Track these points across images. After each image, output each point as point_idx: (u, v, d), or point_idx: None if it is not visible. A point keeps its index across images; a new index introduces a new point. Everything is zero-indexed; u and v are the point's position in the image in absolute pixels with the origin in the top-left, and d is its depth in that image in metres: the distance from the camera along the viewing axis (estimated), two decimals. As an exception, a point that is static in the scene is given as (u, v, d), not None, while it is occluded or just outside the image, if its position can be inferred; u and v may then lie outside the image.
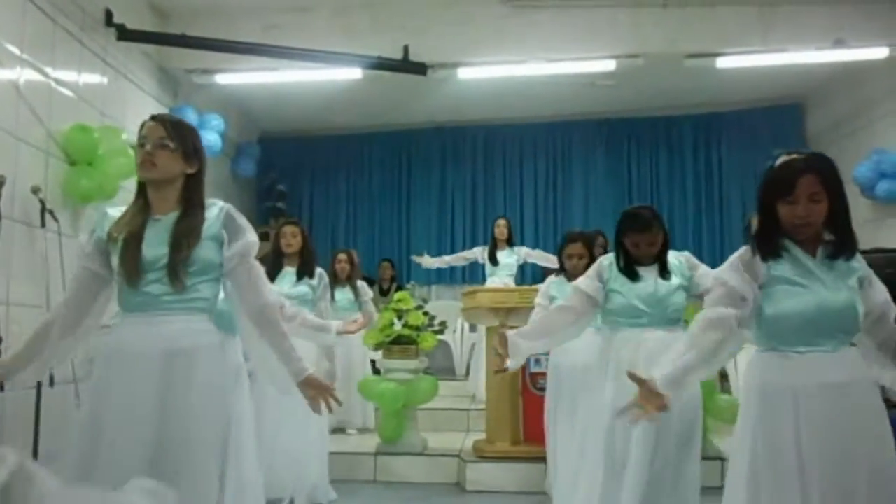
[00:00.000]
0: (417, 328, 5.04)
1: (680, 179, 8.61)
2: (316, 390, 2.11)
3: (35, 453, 3.94)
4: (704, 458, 3.04)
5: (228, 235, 2.09)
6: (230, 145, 7.75)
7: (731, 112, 8.31)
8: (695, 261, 2.99)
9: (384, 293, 7.78)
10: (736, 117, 8.33)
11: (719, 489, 2.18)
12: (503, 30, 5.87)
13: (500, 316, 4.76)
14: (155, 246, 2.01)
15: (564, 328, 2.95)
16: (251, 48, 5.53)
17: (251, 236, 2.13)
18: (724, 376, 5.31)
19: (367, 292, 6.15)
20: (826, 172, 1.99)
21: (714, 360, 2.10)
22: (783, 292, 2.01)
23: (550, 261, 5.92)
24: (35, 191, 4.24)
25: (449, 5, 5.85)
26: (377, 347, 5.21)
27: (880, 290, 2.07)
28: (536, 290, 4.06)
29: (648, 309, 2.85)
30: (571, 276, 3.83)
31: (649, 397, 2.01)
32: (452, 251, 8.53)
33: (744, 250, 2.09)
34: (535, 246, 7.95)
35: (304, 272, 4.14)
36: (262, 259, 2.22)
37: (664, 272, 2.91)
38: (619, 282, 2.91)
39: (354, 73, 6.02)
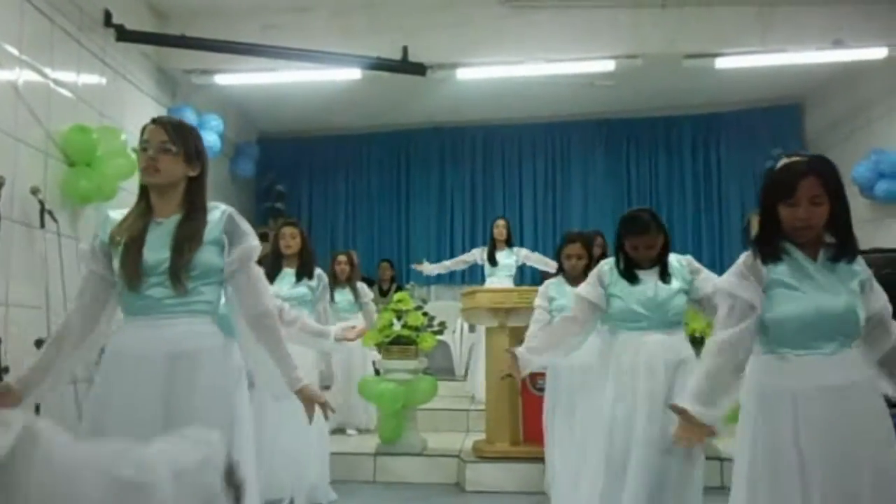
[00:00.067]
0: (417, 328, 5.04)
1: (679, 180, 8.61)
2: (309, 401, 2.12)
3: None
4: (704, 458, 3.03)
5: (229, 240, 2.08)
6: (229, 146, 7.75)
7: (729, 112, 8.31)
8: (696, 265, 2.98)
9: (384, 294, 7.78)
10: (735, 118, 8.33)
11: (719, 489, 2.19)
12: (502, 30, 5.87)
13: (500, 316, 4.77)
14: (157, 249, 2.01)
15: (571, 338, 3.01)
16: (250, 49, 5.53)
17: (252, 241, 2.13)
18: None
19: (367, 293, 6.15)
20: (827, 175, 1.99)
21: (740, 374, 2.09)
22: (781, 296, 2.01)
23: (549, 265, 5.92)
24: (34, 191, 4.24)
25: (448, 6, 5.85)
26: (377, 346, 5.21)
27: (879, 296, 2.07)
28: (535, 291, 4.05)
29: (648, 313, 2.84)
30: (570, 277, 3.84)
31: (692, 428, 1.98)
32: (451, 251, 8.55)
33: (746, 255, 2.09)
34: (534, 246, 7.96)
35: (304, 273, 4.14)
36: (262, 260, 2.21)
37: (664, 275, 2.90)
38: (619, 286, 2.91)
39: (353, 74, 6.02)
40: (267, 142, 8.83)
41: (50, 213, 4.32)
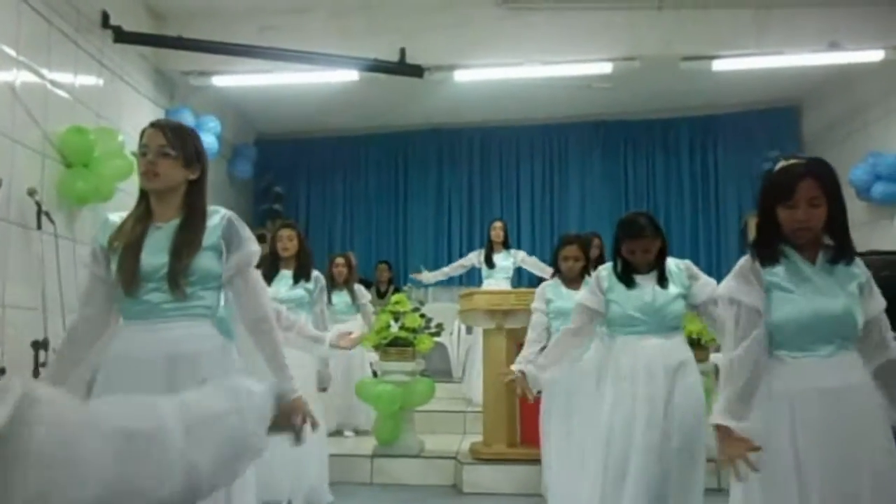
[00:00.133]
0: (414, 330, 5.04)
1: (676, 181, 8.62)
2: (296, 413, 2.13)
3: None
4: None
5: (228, 245, 2.08)
6: (226, 147, 7.74)
7: (726, 114, 8.33)
8: (695, 270, 2.96)
9: (381, 295, 7.78)
10: (732, 120, 8.35)
11: (716, 491, 2.18)
12: (499, 32, 5.88)
13: (497, 318, 4.77)
14: (155, 254, 2.01)
15: (575, 349, 3.04)
16: (247, 50, 5.53)
17: (251, 246, 2.12)
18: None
19: (365, 295, 6.15)
20: (825, 177, 1.99)
21: (762, 379, 2.05)
22: (778, 299, 2.01)
23: (544, 271, 5.92)
24: (31, 193, 4.24)
25: (445, 8, 5.86)
26: (375, 348, 5.21)
27: (878, 302, 2.05)
28: (533, 293, 4.06)
29: (645, 317, 2.84)
30: (567, 279, 3.85)
31: (735, 444, 1.94)
32: (449, 253, 8.55)
33: (745, 259, 2.09)
34: (531, 247, 7.97)
35: (301, 275, 4.13)
36: (259, 262, 2.21)
37: (662, 280, 2.89)
38: (617, 291, 2.90)
39: (351, 75, 6.03)
40: (264, 143, 8.83)
41: (47, 214, 4.31)
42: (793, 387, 1.96)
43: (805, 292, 1.99)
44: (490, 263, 6.60)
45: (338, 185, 9.16)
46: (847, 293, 2.00)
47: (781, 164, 2.08)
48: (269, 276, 4.03)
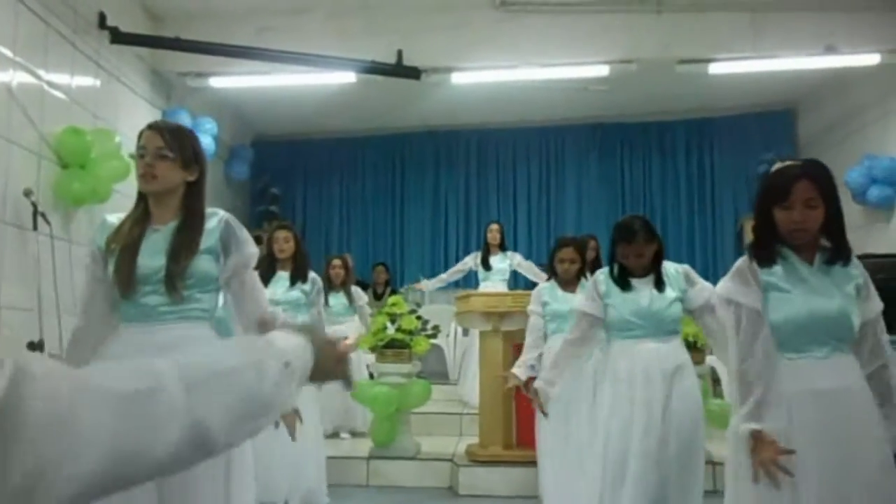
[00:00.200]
0: (411, 332, 5.04)
1: (672, 184, 8.64)
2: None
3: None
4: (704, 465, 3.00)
5: (226, 248, 2.08)
6: (223, 148, 7.74)
7: (723, 117, 8.35)
8: (693, 275, 2.96)
9: (378, 297, 7.77)
10: (728, 122, 8.37)
11: (712, 493, 2.18)
12: (497, 34, 5.88)
13: (493, 320, 4.77)
14: (152, 257, 2.01)
15: (580, 358, 3.08)
16: (244, 51, 5.53)
17: (249, 249, 2.12)
18: (716, 381, 5.33)
19: (362, 297, 6.14)
20: (822, 178, 2.00)
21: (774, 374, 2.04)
22: (774, 299, 2.01)
23: (539, 277, 5.92)
24: (27, 193, 4.23)
25: (443, 10, 5.86)
26: (371, 350, 5.21)
27: (874, 305, 2.05)
28: (529, 295, 4.06)
29: (642, 322, 2.83)
30: (563, 281, 3.85)
31: (766, 447, 1.92)
32: (446, 255, 8.56)
33: (742, 260, 2.09)
34: (528, 249, 7.99)
35: (298, 277, 4.13)
36: (256, 263, 2.21)
37: (659, 284, 2.89)
38: (614, 295, 2.90)
39: (348, 77, 6.03)
40: (261, 145, 8.82)
41: (43, 215, 4.30)
42: (788, 389, 1.96)
43: (801, 293, 2.00)
44: (486, 266, 6.60)
45: (335, 187, 9.16)
46: (844, 294, 2.00)
47: (778, 165, 2.09)
48: (266, 278, 4.03)
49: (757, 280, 2.03)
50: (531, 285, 5.60)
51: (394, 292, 7.57)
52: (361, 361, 5.93)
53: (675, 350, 2.86)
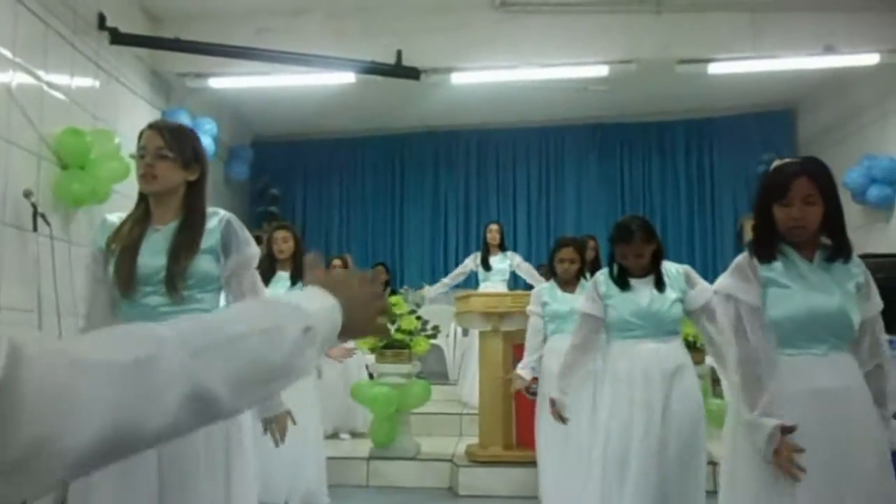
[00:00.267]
0: (410, 332, 5.04)
1: (672, 184, 8.64)
2: (277, 421, 2.16)
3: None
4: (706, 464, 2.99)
5: (226, 248, 2.07)
6: (223, 149, 7.74)
7: (722, 117, 8.35)
8: (694, 276, 2.95)
9: (377, 297, 7.77)
10: (727, 123, 8.37)
11: (713, 493, 2.18)
12: (496, 35, 5.88)
13: (493, 320, 4.77)
14: (152, 257, 2.00)
15: (588, 359, 3.07)
16: (244, 52, 5.52)
17: (249, 249, 2.11)
18: (716, 381, 5.32)
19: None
20: (820, 175, 2.00)
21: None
22: (774, 295, 2.01)
23: (537, 280, 5.93)
24: (27, 194, 4.23)
25: (442, 10, 5.86)
26: (371, 350, 5.21)
27: (874, 304, 2.05)
28: (529, 295, 4.06)
29: (641, 322, 2.83)
30: (562, 281, 3.85)
31: (785, 443, 1.90)
32: (445, 255, 8.56)
33: (742, 256, 2.09)
34: (527, 249, 7.99)
35: (298, 277, 4.13)
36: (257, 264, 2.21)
37: (659, 284, 2.89)
38: (614, 295, 2.90)
39: (347, 78, 6.03)
40: (261, 145, 8.82)
41: (42, 216, 4.30)
42: (787, 387, 1.96)
43: (801, 289, 1.99)
44: (486, 266, 6.60)
45: (334, 188, 9.16)
46: (844, 291, 2.00)
47: (776, 163, 2.09)
48: (266, 278, 4.03)
49: (757, 276, 2.03)
50: (531, 286, 5.61)
51: (393, 293, 7.57)
52: (361, 362, 5.93)
53: (675, 350, 2.86)
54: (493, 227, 6.74)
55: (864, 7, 5.63)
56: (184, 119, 6.07)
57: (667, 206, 8.54)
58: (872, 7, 5.63)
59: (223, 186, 8.09)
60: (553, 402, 3.13)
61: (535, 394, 3.92)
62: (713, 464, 4.32)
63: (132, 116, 5.53)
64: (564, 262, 3.82)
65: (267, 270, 4.08)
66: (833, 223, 2.02)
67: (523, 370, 3.79)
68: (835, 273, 2.02)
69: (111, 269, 2.02)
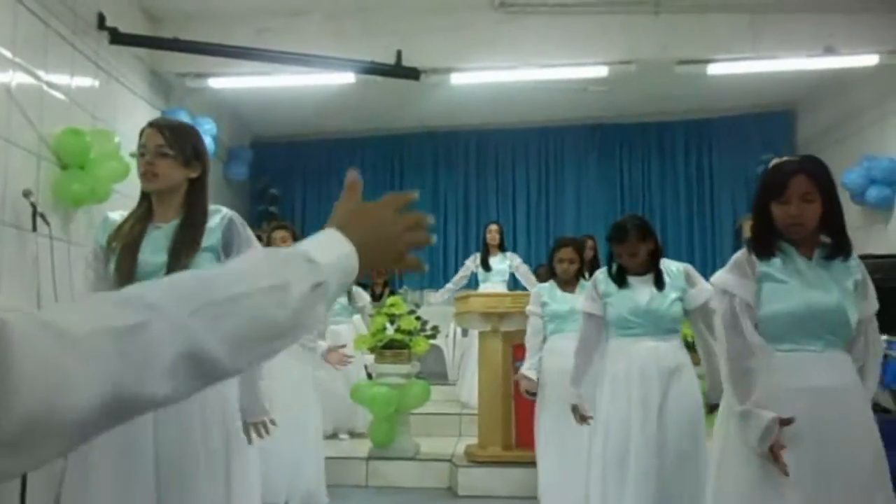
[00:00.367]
0: (410, 333, 5.04)
1: (671, 184, 8.65)
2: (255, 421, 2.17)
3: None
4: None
5: (227, 246, 2.07)
6: (222, 149, 7.74)
7: (721, 118, 8.36)
8: (694, 275, 2.95)
9: (377, 298, 7.77)
10: (727, 123, 8.38)
11: (712, 493, 2.18)
12: (496, 35, 5.88)
13: (492, 321, 4.77)
14: (154, 254, 2.00)
15: (595, 358, 3.04)
16: (243, 52, 5.52)
17: (251, 248, 2.11)
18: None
19: (364, 297, 6.13)
20: (817, 173, 2.01)
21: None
22: (772, 291, 2.02)
23: (532, 285, 5.93)
24: (26, 194, 4.22)
25: (442, 11, 5.86)
26: (370, 350, 5.21)
27: (871, 304, 2.06)
28: (529, 296, 4.07)
29: (640, 320, 2.84)
30: (562, 281, 3.86)
31: (777, 437, 1.90)
32: (444, 255, 8.56)
33: (741, 252, 2.11)
34: (527, 250, 8.00)
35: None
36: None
37: (659, 282, 2.89)
38: (613, 293, 2.91)
39: (347, 78, 6.03)
40: (260, 145, 8.82)
41: (42, 216, 4.29)
42: (783, 384, 1.96)
43: (799, 285, 2.00)
44: (486, 266, 6.60)
45: (334, 188, 9.12)
46: (842, 289, 2.00)
47: (775, 161, 2.11)
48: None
49: (754, 272, 2.04)
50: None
51: (392, 293, 7.57)
52: (360, 362, 5.93)
53: (673, 349, 2.86)
54: (493, 227, 6.75)
55: (863, 8, 5.63)
56: (183, 119, 6.05)
57: (666, 207, 8.55)
58: (872, 8, 5.64)
59: (223, 187, 8.08)
60: (574, 409, 3.08)
61: (534, 394, 3.92)
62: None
63: (132, 116, 5.53)
64: (564, 262, 3.83)
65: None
66: (832, 221, 2.03)
67: (529, 371, 3.79)
68: (833, 271, 2.02)
69: (112, 266, 2.02)
